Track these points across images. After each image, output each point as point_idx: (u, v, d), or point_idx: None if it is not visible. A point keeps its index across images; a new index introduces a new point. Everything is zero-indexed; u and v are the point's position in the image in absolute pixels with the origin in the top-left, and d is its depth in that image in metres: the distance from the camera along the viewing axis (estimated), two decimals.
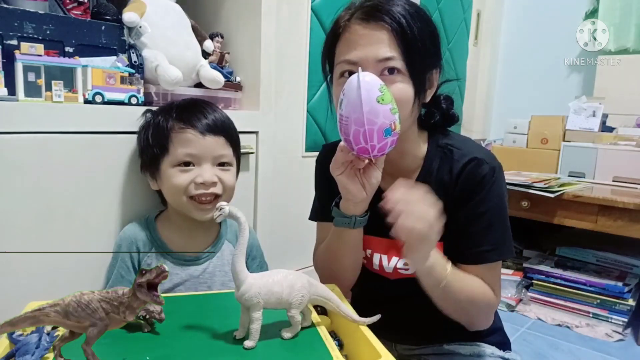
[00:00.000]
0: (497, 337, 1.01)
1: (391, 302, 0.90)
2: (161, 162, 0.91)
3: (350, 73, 0.77)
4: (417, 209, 0.69)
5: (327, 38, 0.84)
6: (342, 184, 0.77)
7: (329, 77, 0.87)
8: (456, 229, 0.83)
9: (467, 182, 0.82)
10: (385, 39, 0.75)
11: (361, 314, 0.73)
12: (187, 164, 0.90)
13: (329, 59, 0.84)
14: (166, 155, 0.90)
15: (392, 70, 0.76)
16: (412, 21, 0.76)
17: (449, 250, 0.85)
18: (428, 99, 0.84)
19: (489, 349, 0.97)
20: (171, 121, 0.91)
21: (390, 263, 0.90)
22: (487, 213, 0.82)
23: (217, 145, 0.92)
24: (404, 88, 0.77)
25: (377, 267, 0.91)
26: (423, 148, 0.88)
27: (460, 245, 0.84)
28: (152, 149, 0.91)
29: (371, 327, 0.71)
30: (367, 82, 0.69)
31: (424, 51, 0.77)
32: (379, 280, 0.93)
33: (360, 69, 0.70)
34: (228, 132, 0.95)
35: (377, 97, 0.68)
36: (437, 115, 0.88)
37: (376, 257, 0.91)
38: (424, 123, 0.89)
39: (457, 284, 0.79)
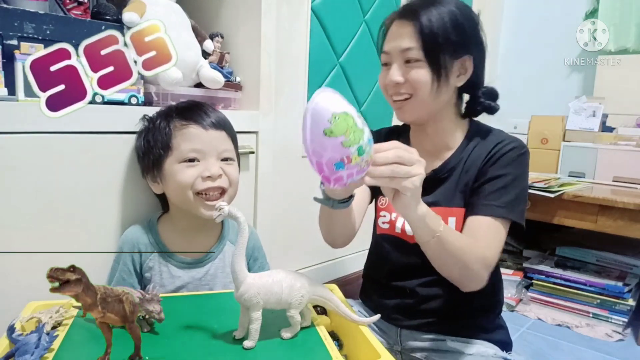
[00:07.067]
0: (501, 335, 1.02)
1: (405, 271, 0.99)
2: (165, 162, 0.91)
3: (386, 63, 0.94)
4: (412, 166, 0.71)
5: (377, 36, 1.00)
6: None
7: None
8: (477, 188, 0.93)
9: (495, 154, 0.94)
10: (408, 33, 0.89)
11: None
12: (192, 160, 0.90)
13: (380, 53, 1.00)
14: (170, 154, 0.90)
15: (410, 59, 0.90)
16: (436, 17, 0.88)
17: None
18: (460, 83, 0.95)
19: (491, 349, 0.97)
20: (172, 120, 0.91)
21: None
22: (505, 177, 0.92)
23: (221, 140, 0.94)
24: (421, 73, 0.89)
25: (399, 231, 1.00)
26: (459, 132, 1.00)
27: (474, 199, 0.93)
28: (154, 150, 0.91)
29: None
30: (317, 109, 0.62)
31: (444, 42, 0.88)
32: (399, 245, 1.00)
33: (320, 90, 0.64)
34: (229, 127, 0.97)
35: (325, 129, 0.61)
36: (479, 108, 1.02)
37: (399, 221, 1.00)
38: (465, 114, 1.03)
39: (450, 237, 0.82)
